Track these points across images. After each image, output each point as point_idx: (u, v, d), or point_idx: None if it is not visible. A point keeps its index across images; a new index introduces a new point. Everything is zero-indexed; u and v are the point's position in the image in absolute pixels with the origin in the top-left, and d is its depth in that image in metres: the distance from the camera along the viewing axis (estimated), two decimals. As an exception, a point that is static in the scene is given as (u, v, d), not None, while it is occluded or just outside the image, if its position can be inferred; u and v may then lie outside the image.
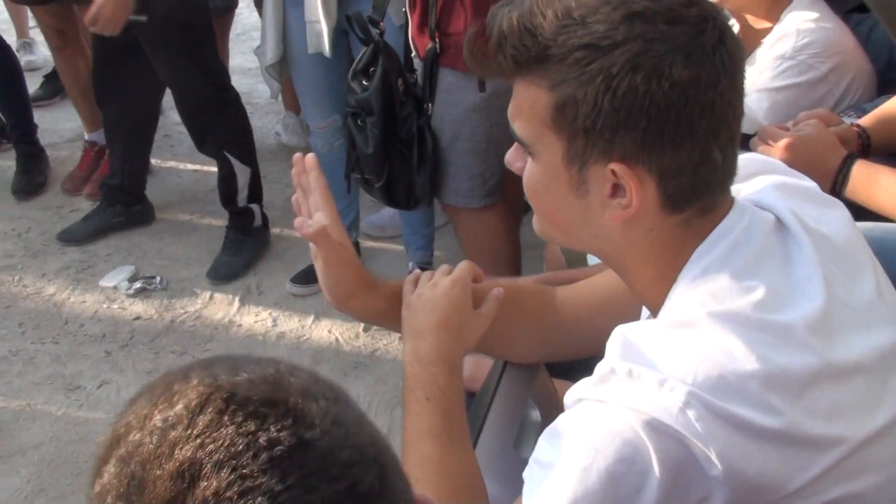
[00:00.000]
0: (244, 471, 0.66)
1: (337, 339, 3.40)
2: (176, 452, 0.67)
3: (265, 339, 3.43)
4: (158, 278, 3.72)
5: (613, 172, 1.06)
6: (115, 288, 3.68)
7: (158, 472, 0.67)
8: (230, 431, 0.67)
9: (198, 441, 0.67)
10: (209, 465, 0.66)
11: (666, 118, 1.03)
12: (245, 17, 5.70)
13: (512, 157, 1.18)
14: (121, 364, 3.32)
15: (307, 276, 3.58)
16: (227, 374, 0.72)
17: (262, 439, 0.67)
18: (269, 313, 3.54)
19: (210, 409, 0.69)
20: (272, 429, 0.67)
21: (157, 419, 0.69)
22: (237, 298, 3.62)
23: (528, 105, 1.10)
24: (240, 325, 3.49)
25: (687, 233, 1.10)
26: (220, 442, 0.67)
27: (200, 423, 0.68)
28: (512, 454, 1.46)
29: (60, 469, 2.90)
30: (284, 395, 0.70)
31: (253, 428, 0.67)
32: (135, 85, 3.72)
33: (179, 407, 0.69)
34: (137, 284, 3.67)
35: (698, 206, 1.09)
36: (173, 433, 0.68)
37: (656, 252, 1.12)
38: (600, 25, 1.03)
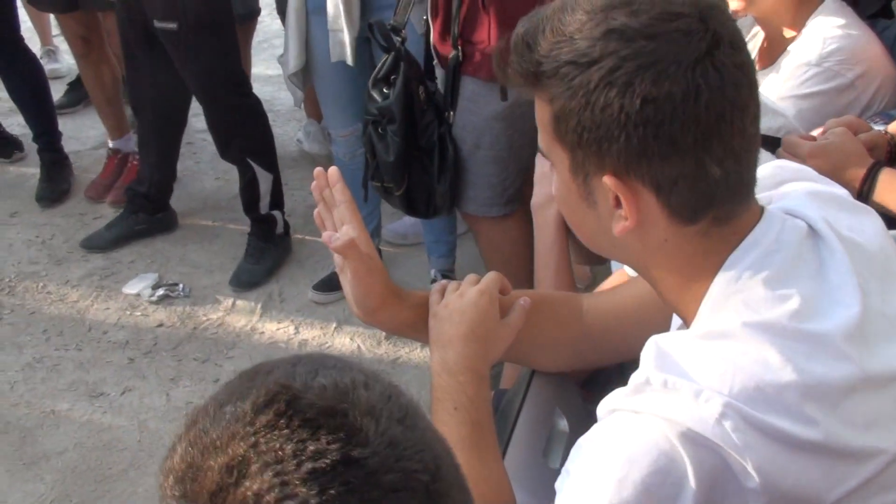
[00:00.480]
0: (285, 477, 0.66)
1: (359, 347, 3.40)
2: (231, 446, 0.67)
3: (287, 346, 3.43)
4: (181, 285, 3.73)
5: (609, 186, 1.06)
6: (139, 295, 3.69)
7: (211, 463, 0.67)
8: (283, 435, 0.67)
9: (252, 439, 0.67)
10: (256, 465, 0.66)
11: (644, 133, 1.02)
12: (267, 25, 5.72)
13: (548, 169, 1.20)
14: (144, 371, 3.33)
15: (329, 284, 3.58)
16: (304, 376, 0.72)
17: (310, 449, 0.67)
18: (292, 321, 3.55)
19: (272, 410, 0.69)
20: (322, 440, 0.67)
21: (228, 409, 0.70)
22: (259, 306, 3.62)
23: (539, 117, 1.12)
24: (262, 333, 3.50)
25: (708, 242, 1.09)
26: (271, 444, 0.67)
27: (259, 422, 0.68)
28: (541, 464, 1.45)
29: (84, 476, 2.91)
30: (345, 408, 0.69)
31: (304, 436, 0.67)
32: (168, 92, 3.75)
33: (248, 402, 0.70)
34: (160, 291, 3.69)
35: (711, 216, 1.08)
36: (234, 427, 0.69)
37: (678, 261, 1.11)
38: (582, 42, 1.04)
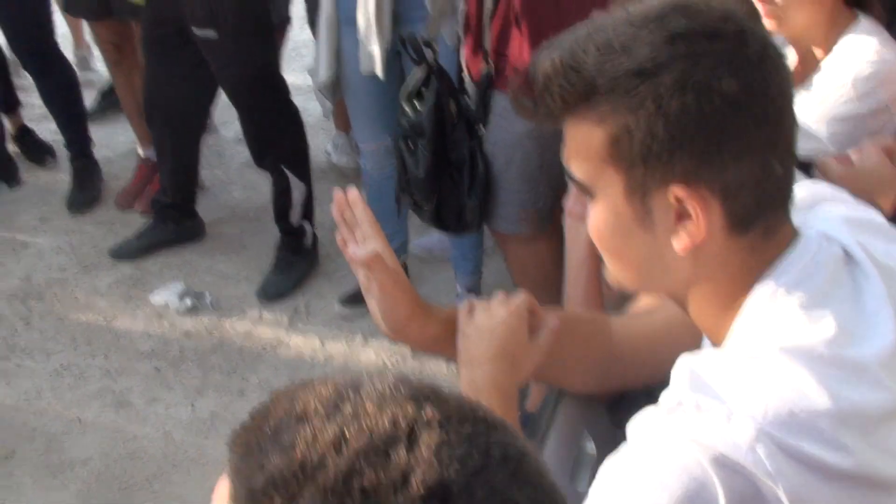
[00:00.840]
0: (494, 485, 0.66)
1: (384, 362, 3.40)
2: (413, 476, 0.65)
3: (313, 360, 3.43)
4: (208, 296, 3.74)
5: (677, 198, 1.05)
6: (166, 304, 3.71)
7: (400, 499, 0.64)
8: (465, 449, 0.66)
9: (430, 460, 0.65)
10: (458, 483, 0.65)
11: (720, 133, 1.02)
12: (296, 34, 5.73)
13: (573, 203, 1.16)
14: (170, 381, 3.34)
15: (356, 298, 3.57)
16: (383, 386, 0.70)
17: (497, 453, 0.67)
18: (318, 334, 3.55)
19: (428, 426, 0.67)
20: (498, 442, 0.68)
21: (361, 442, 0.66)
22: (286, 318, 3.63)
23: (581, 144, 1.09)
24: (288, 346, 3.50)
25: (752, 260, 1.08)
26: (461, 460, 0.66)
27: (426, 442, 0.66)
28: (568, 487, 1.44)
29: (109, 485, 2.92)
30: (475, 411, 0.70)
31: (485, 442, 0.68)
32: (181, 101, 3.76)
33: (384, 426, 0.67)
34: (188, 301, 3.70)
35: (763, 226, 1.07)
36: (395, 455, 0.65)
37: (724, 281, 1.10)
38: (643, 50, 1.02)
